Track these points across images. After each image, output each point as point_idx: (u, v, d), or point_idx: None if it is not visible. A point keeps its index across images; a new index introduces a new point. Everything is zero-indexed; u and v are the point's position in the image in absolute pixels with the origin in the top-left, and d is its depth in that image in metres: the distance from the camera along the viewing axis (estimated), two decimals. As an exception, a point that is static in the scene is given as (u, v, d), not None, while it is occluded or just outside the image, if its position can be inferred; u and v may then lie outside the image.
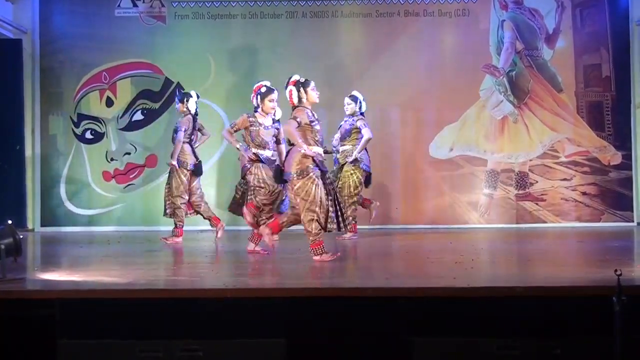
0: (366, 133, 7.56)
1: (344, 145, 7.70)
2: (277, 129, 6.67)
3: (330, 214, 5.61)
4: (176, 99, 7.90)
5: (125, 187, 9.32)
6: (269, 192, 6.65)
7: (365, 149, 7.70)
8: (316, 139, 5.71)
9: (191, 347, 4.04)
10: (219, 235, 7.58)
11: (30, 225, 9.32)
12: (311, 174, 5.58)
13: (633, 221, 9.23)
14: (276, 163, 6.48)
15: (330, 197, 5.66)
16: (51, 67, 9.46)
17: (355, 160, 7.58)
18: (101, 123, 9.45)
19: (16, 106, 9.19)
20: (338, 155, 7.75)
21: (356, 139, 7.63)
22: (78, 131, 9.43)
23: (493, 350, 3.99)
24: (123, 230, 9.00)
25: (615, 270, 3.54)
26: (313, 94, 5.86)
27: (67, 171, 9.35)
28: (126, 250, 7.00)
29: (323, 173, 5.68)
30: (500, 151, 9.37)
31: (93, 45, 9.44)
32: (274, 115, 7.17)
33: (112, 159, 9.37)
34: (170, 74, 9.46)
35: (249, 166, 6.66)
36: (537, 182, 9.44)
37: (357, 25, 9.58)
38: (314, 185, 5.57)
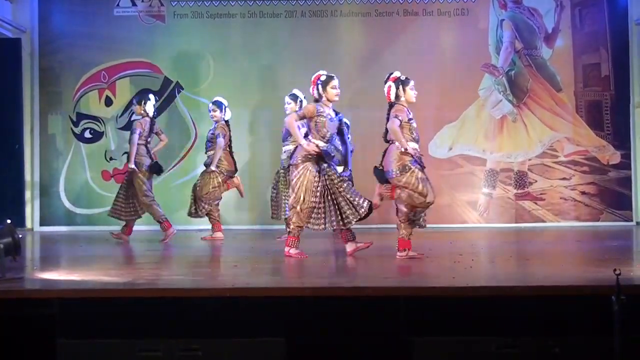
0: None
1: (286, 145, 7.56)
2: (340, 121, 6.25)
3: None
4: (133, 101, 7.86)
5: (125, 186, 9.31)
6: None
7: None
8: (413, 136, 5.81)
9: (191, 347, 4.04)
10: (166, 240, 7.40)
11: (29, 225, 9.32)
12: (413, 167, 5.70)
13: (632, 220, 9.24)
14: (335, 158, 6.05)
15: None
16: (50, 67, 9.45)
17: None
18: (100, 122, 9.45)
19: (15, 105, 9.19)
20: (282, 157, 7.65)
21: None
22: (77, 130, 9.43)
23: (492, 350, 4.00)
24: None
25: (614, 270, 3.54)
26: (411, 93, 5.93)
27: (66, 170, 9.34)
28: (125, 250, 7.00)
29: (422, 168, 5.78)
30: (499, 150, 9.38)
31: (92, 44, 9.44)
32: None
33: (111, 158, 9.36)
34: (170, 74, 9.46)
35: (298, 161, 5.99)
36: (536, 181, 9.44)
37: (356, 25, 9.58)
38: (419, 179, 5.70)
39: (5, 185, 9.07)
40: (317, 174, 5.90)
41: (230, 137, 7.84)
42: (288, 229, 6.46)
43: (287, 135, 7.50)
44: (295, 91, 7.73)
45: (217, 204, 7.82)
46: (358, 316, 4.14)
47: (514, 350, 3.99)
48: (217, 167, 7.64)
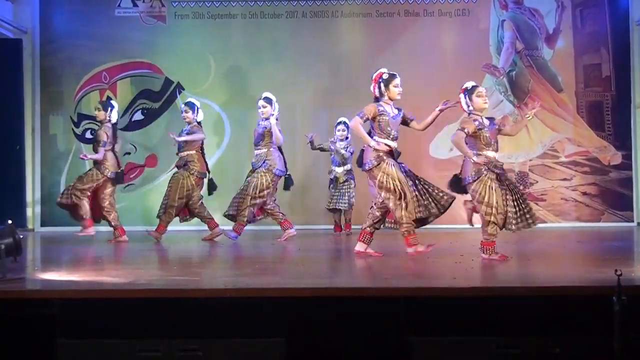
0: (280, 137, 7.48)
1: (259, 149, 7.54)
2: (403, 117, 6.25)
3: (508, 214, 5.67)
4: (98, 106, 7.80)
5: (125, 187, 9.31)
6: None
7: (282, 153, 7.62)
8: (484, 142, 5.81)
9: (191, 347, 4.04)
10: (113, 242, 7.51)
11: (30, 225, 9.33)
12: (482, 176, 5.70)
13: (633, 221, 9.23)
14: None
15: (510, 197, 5.72)
16: (51, 67, 9.46)
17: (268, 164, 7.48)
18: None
19: (16, 106, 9.20)
20: (253, 159, 7.62)
21: (270, 142, 7.48)
22: (78, 131, 9.44)
23: (493, 350, 4.00)
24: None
25: (616, 271, 3.54)
26: (479, 100, 5.89)
27: (67, 171, 9.34)
28: (126, 250, 7.00)
29: (498, 175, 5.77)
30: (500, 151, 9.31)
31: (93, 45, 9.44)
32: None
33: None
34: (170, 74, 9.47)
35: (375, 163, 6.00)
36: (537, 182, 9.44)
37: (357, 25, 9.58)
38: (487, 188, 5.67)
39: (7, 186, 9.07)
40: (398, 165, 6.00)
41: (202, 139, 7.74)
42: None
43: (260, 139, 7.50)
44: (268, 94, 7.64)
45: (201, 203, 7.75)
46: (358, 316, 4.14)
47: (514, 350, 3.99)
48: (190, 169, 7.58)
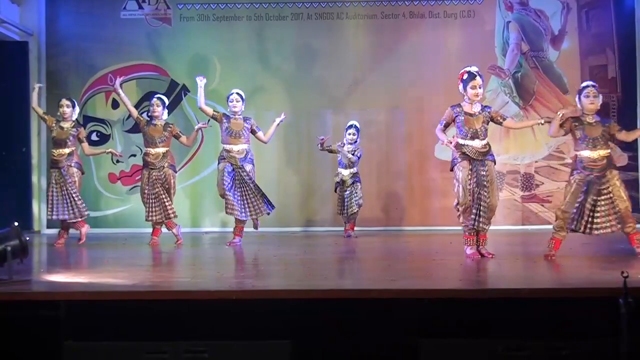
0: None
1: (243, 143, 7.46)
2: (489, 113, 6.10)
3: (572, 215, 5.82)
4: (68, 102, 7.74)
5: (131, 189, 9.34)
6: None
7: None
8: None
9: (197, 349, 4.04)
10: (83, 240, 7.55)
11: (36, 227, 9.35)
12: (570, 177, 6.04)
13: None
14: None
15: (595, 198, 5.81)
16: (57, 69, 9.48)
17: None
18: (107, 125, 9.48)
19: (22, 108, 9.22)
20: (238, 155, 7.44)
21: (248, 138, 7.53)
22: (84, 133, 9.43)
23: (499, 352, 3.98)
24: (129, 231, 9.01)
25: (622, 272, 3.53)
26: (586, 101, 6.01)
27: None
28: (132, 252, 7.01)
29: (584, 176, 5.92)
30: (506, 152, 9.35)
31: (99, 47, 9.47)
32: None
33: (117, 161, 9.38)
34: (176, 76, 9.48)
35: (451, 165, 6.14)
36: (542, 183, 9.42)
37: (362, 27, 9.58)
38: (569, 186, 5.99)
39: (12, 188, 9.09)
40: (470, 172, 5.92)
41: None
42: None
43: (244, 133, 7.45)
44: (239, 90, 7.60)
45: None
46: (364, 318, 4.13)
47: (521, 352, 3.98)
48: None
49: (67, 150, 7.56)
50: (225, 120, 7.44)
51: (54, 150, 7.61)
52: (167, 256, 6.78)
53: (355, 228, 8.40)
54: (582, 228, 5.79)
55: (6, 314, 4.15)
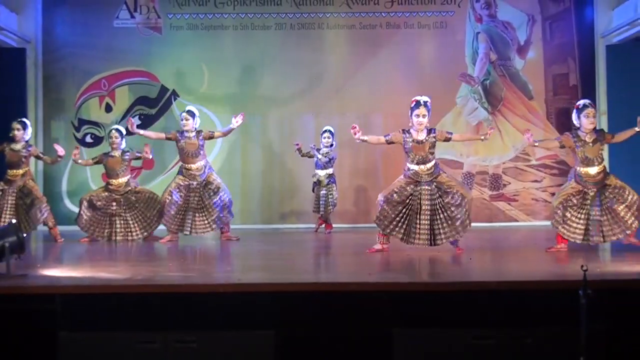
0: None
1: (200, 161, 7.43)
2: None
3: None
4: (19, 126, 7.52)
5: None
6: None
7: None
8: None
9: (186, 339, 4.03)
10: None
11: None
12: (567, 184, 6.11)
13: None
14: None
15: (600, 207, 5.89)
16: (53, 75, 9.40)
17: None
18: (101, 128, 9.41)
19: (20, 112, 9.06)
20: (197, 172, 7.40)
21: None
22: (79, 135, 9.38)
23: (469, 340, 4.01)
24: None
25: (582, 266, 3.57)
26: (586, 121, 5.98)
27: (68, 173, 9.28)
28: (124, 248, 6.96)
29: (581, 187, 5.99)
30: (475, 154, 9.41)
31: (93, 54, 9.39)
32: None
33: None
34: (166, 82, 9.43)
35: (402, 179, 6.19)
36: (509, 183, 9.49)
37: (342, 37, 9.59)
38: (563, 190, 6.14)
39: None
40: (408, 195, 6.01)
41: None
42: None
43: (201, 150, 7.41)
44: (192, 108, 7.61)
45: None
46: (343, 310, 4.15)
47: (489, 340, 4.01)
48: None
49: (21, 171, 7.49)
50: (180, 139, 7.39)
51: (9, 171, 7.51)
52: (157, 252, 6.75)
53: (333, 225, 8.43)
54: (593, 238, 5.91)
55: (4, 307, 4.11)
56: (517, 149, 9.44)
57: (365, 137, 6.15)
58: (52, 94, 9.36)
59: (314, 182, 8.36)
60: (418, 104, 6.04)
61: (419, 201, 5.93)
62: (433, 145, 6.05)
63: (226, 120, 9.41)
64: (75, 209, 9.19)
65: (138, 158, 7.72)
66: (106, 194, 7.49)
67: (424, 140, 6.01)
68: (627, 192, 5.90)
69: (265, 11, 9.45)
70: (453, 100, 9.47)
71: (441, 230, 5.89)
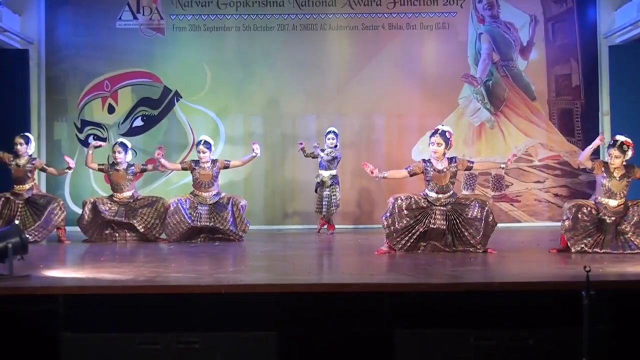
0: None
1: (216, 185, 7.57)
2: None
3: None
4: (22, 141, 7.52)
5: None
6: None
7: None
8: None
9: (188, 340, 4.03)
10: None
11: (36, 225, 9.25)
12: (585, 203, 6.19)
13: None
14: None
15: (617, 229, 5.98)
16: (56, 76, 9.42)
17: None
18: (103, 129, 9.42)
19: (23, 112, 9.14)
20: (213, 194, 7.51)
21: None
22: (81, 136, 9.40)
23: (470, 341, 4.00)
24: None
25: (585, 267, 3.56)
26: (616, 161, 6.04)
27: (71, 174, 9.26)
28: (126, 249, 6.96)
29: (598, 215, 6.05)
30: (477, 155, 9.40)
31: (96, 55, 9.41)
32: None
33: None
34: (169, 83, 9.44)
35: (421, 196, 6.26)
36: (512, 184, 9.48)
37: (344, 38, 9.59)
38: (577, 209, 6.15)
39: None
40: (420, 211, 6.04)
41: None
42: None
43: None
44: (206, 138, 7.61)
45: None
46: (345, 310, 4.14)
47: (491, 341, 4.00)
48: None
49: (27, 186, 7.52)
50: (195, 168, 7.47)
51: (16, 186, 7.53)
52: (160, 253, 6.75)
53: (336, 226, 8.43)
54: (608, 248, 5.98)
55: (7, 307, 4.12)
56: (519, 149, 9.43)
57: (385, 174, 6.15)
58: (55, 95, 9.38)
59: (317, 183, 8.35)
60: (435, 132, 6.08)
61: (429, 219, 5.95)
62: (454, 175, 6.08)
63: (228, 122, 9.45)
64: (79, 211, 9.22)
65: (144, 171, 7.73)
66: (110, 203, 7.53)
67: (445, 170, 6.02)
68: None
69: (268, 12, 9.46)
70: (455, 101, 9.47)
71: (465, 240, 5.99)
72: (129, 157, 7.71)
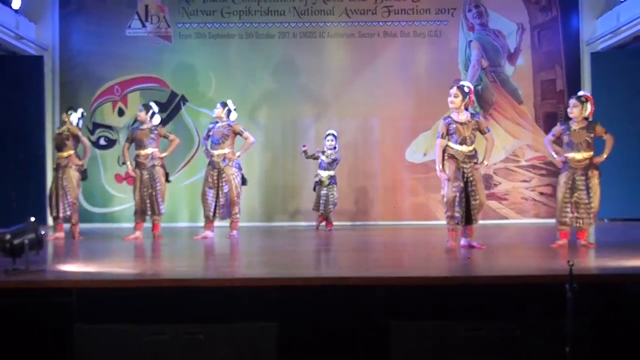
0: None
1: (222, 148, 7.22)
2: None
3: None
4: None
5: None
6: None
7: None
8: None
9: (193, 331, 4.03)
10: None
11: (50, 222, 9.24)
12: (559, 177, 6.08)
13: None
14: None
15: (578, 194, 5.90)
16: (69, 81, 9.42)
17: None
18: (114, 131, 9.43)
19: (38, 116, 9.15)
20: (215, 159, 7.22)
21: (231, 143, 7.27)
22: (93, 138, 9.40)
23: (462, 332, 4.01)
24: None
25: (568, 261, 3.56)
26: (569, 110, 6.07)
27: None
28: (136, 245, 6.96)
29: (570, 174, 5.95)
30: (467, 156, 9.38)
31: (107, 61, 9.42)
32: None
33: (123, 163, 9.30)
34: (175, 88, 9.45)
35: (447, 158, 5.93)
36: (500, 183, 9.49)
37: (342, 45, 9.60)
38: (558, 187, 6.06)
39: (30, 187, 9.02)
40: (456, 170, 5.80)
41: None
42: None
43: (223, 138, 7.22)
44: (228, 102, 7.43)
45: None
46: (342, 303, 4.14)
47: (480, 332, 4.00)
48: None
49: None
50: (211, 126, 7.33)
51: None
52: (167, 248, 6.75)
53: (334, 223, 8.42)
54: (574, 222, 5.93)
55: (23, 300, 4.12)
56: (507, 150, 9.44)
57: (439, 165, 5.84)
58: (68, 98, 9.37)
59: (316, 182, 8.35)
60: (453, 85, 5.95)
61: (466, 180, 5.79)
62: (475, 129, 5.88)
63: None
64: (91, 208, 9.24)
65: (166, 137, 7.29)
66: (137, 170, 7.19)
67: (467, 122, 5.84)
68: (593, 199, 5.89)
69: (269, 21, 9.46)
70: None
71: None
72: (156, 119, 7.31)
